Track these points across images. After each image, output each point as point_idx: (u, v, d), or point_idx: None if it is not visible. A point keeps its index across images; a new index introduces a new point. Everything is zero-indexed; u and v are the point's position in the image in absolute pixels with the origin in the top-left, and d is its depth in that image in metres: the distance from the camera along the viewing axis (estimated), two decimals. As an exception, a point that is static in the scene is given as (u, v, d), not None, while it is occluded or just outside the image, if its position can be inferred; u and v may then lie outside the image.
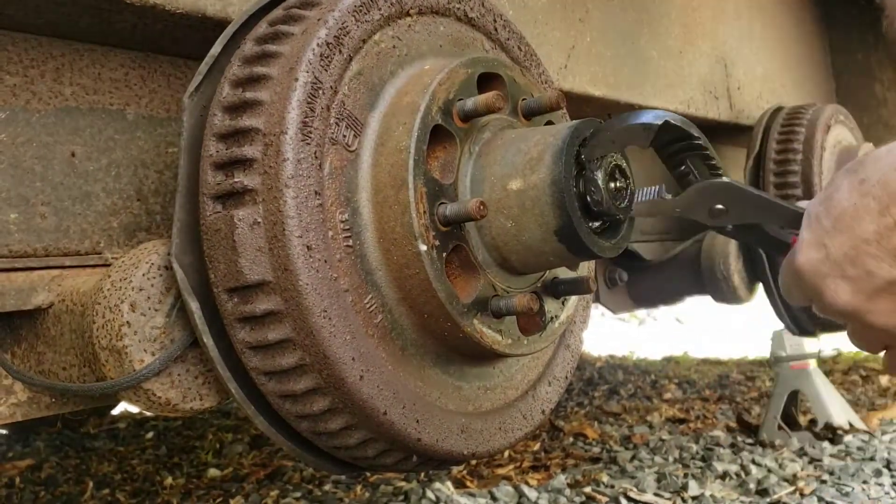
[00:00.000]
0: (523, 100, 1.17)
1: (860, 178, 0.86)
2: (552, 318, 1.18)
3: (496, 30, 1.27)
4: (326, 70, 1.01)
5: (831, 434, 2.86)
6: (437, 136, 1.06)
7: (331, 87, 1.01)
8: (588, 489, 2.36)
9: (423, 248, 1.00)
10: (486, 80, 1.13)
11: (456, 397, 1.13)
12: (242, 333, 0.98)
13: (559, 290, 1.19)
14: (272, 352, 0.98)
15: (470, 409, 1.15)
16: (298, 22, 1.05)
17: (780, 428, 2.89)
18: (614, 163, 1.08)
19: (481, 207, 1.00)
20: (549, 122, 1.20)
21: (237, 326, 0.98)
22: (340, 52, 1.03)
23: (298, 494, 2.48)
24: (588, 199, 1.05)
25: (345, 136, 1.03)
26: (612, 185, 1.07)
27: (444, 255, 1.03)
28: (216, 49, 1.06)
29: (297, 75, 0.98)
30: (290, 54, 1.01)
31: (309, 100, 0.98)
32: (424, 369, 1.09)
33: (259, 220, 0.95)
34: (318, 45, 1.00)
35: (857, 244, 0.86)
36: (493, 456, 1.41)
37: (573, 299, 1.23)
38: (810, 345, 2.96)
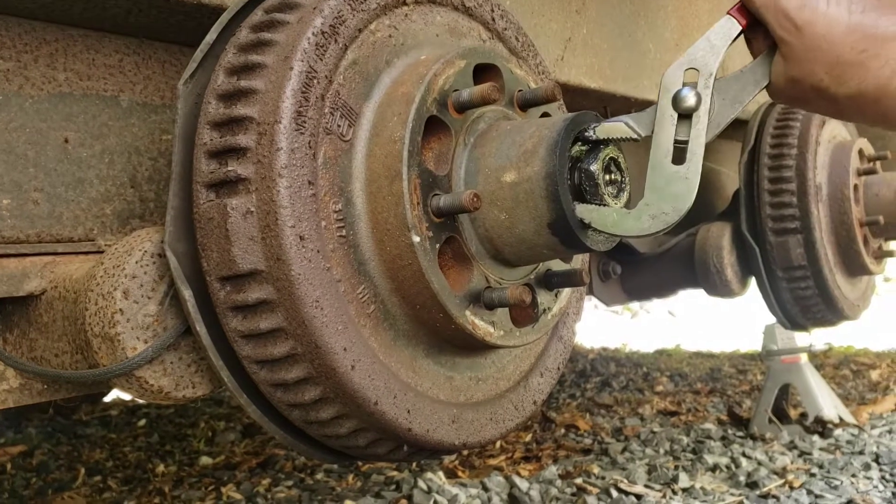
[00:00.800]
0: (519, 91, 1.17)
1: None
2: (545, 310, 1.19)
3: (493, 20, 1.27)
4: (321, 59, 1.00)
5: (821, 428, 2.87)
6: (432, 126, 1.06)
7: (326, 77, 1.00)
8: (579, 480, 2.37)
9: (417, 239, 1.00)
10: (483, 71, 1.13)
11: (447, 388, 1.13)
12: (235, 322, 0.98)
13: (552, 282, 1.20)
14: (264, 341, 0.98)
15: (461, 399, 1.15)
16: (294, 10, 1.04)
17: (770, 421, 2.90)
18: (610, 155, 1.08)
19: (475, 199, 1.00)
20: (546, 114, 1.20)
21: (229, 315, 0.98)
22: (336, 41, 1.02)
23: (290, 483, 2.49)
24: (582, 191, 1.05)
25: (339, 125, 1.02)
26: (607, 177, 1.07)
27: (438, 246, 1.03)
28: (211, 36, 1.06)
29: (292, 64, 0.98)
30: (286, 43, 1.00)
31: (304, 89, 0.98)
32: (416, 360, 1.09)
33: (252, 209, 0.95)
34: (313, 33, 1.00)
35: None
36: (484, 446, 1.42)
37: (566, 291, 1.23)
38: (802, 339, 2.98)
